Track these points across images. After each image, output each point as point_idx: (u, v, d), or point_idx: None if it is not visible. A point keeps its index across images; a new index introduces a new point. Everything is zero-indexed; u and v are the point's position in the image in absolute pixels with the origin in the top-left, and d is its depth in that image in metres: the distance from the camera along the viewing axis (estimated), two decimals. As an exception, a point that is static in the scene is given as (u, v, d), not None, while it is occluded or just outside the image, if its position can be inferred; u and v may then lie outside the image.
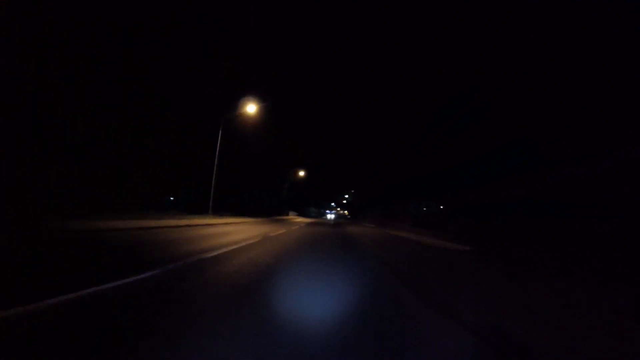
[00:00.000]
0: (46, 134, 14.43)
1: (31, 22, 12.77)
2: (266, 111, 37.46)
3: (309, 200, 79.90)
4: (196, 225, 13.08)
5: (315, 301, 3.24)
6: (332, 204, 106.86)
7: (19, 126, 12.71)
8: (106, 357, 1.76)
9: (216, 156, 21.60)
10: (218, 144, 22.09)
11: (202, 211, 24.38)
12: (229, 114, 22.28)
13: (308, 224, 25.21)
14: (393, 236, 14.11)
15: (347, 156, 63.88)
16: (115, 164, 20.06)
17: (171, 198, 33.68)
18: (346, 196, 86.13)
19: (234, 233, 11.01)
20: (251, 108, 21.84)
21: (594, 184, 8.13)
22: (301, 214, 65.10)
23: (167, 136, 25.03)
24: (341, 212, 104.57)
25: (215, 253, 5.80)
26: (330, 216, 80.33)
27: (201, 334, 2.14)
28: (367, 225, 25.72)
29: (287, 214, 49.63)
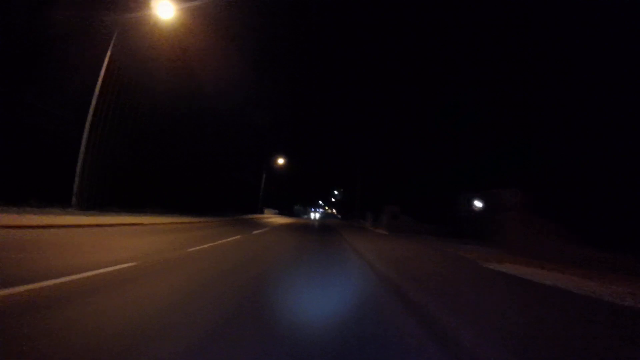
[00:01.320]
0: None
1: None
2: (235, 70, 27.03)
3: (294, 198, 69.67)
4: None
5: None
6: (320, 202, 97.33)
7: None
8: None
9: (95, 93, 11.17)
10: (102, 70, 11.67)
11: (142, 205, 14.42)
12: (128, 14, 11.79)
13: (274, 229, 15.10)
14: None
15: (339, 150, 54.24)
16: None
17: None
18: (336, 192, 76.18)
19: None
20: (164, 9, 11.42)
21: None
22: (283, 212, 54.67)
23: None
24: (330, 211, 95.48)
25: None
26: (315, 215, 69.07)
27: None
28: (380, 232, 15.50)
29: (262, 212, 39.25)
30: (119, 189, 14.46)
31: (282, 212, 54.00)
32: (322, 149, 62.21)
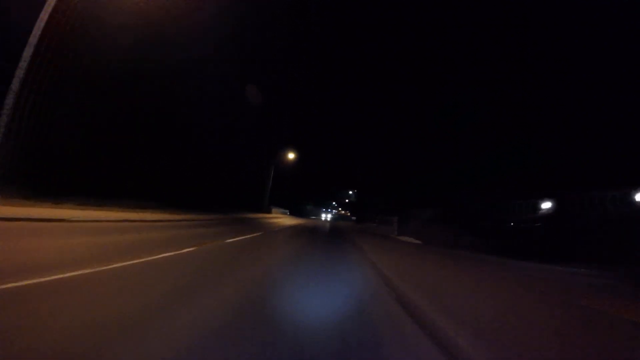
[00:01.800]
0: None
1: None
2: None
3: (306, 198, 66.21)
4: None
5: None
6: (333, 203, 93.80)
7: None
8: None
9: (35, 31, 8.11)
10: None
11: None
12: None
13: (269, 234, 11.71)
14: None
15: (353, 149, 50.31)
16: None
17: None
18: (350, 192, 72.13)
19: None
20: None
21: None
22: (294, 212, 51.39)
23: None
24: (342, 212, 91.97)
25: None
26: (326, 216, 64.28)
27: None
28: (409, 241, 11.72)
29: (269, 211, 35.96)
30: (73, 173, 11.30)
31: (293, 212, 50.63)
32: (334, 148, 58.46)
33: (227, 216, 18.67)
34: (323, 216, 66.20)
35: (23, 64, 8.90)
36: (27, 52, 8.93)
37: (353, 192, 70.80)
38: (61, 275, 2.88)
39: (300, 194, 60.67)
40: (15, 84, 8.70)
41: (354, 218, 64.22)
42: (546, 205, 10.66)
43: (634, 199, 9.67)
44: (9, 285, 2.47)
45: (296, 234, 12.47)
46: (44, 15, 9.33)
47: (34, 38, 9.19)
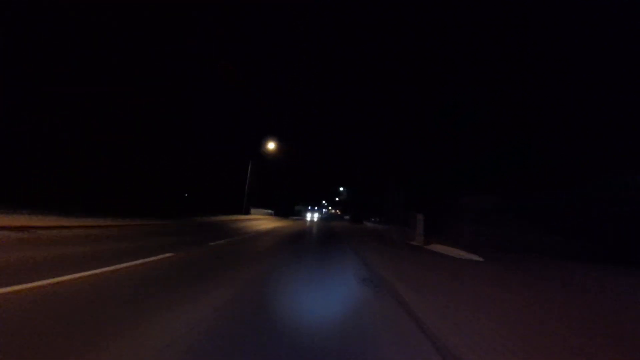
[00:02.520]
0: None
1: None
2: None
3: (295, 197, 60.87)
4: None
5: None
6: (324, 202, 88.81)
7: None
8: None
9: None
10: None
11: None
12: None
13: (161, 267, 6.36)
14: None
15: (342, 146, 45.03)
16: None
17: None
18: (340, 189, 67.09)
19: None
20: None
21: None
22: (280, 212, 46.13)
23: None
24: (333, 211, 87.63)
25: None
26: (313, 216, 52.73)
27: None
28: (460, 256, 6.74)
29: (248, 212, 30.67)
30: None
31: (279, 213, 45.29)
32: (322, 145, 53.04)
33: (181, 222, 13.32)
34: (308, 216, 51.41)
35: None
36: None
37: (345, 189, 65.92)
38: None
39: (288, 193, 55.24)
40: None
41: (346, 217, 59.13)
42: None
43: None
44: None
45: (258, 252, 7.31)
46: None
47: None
